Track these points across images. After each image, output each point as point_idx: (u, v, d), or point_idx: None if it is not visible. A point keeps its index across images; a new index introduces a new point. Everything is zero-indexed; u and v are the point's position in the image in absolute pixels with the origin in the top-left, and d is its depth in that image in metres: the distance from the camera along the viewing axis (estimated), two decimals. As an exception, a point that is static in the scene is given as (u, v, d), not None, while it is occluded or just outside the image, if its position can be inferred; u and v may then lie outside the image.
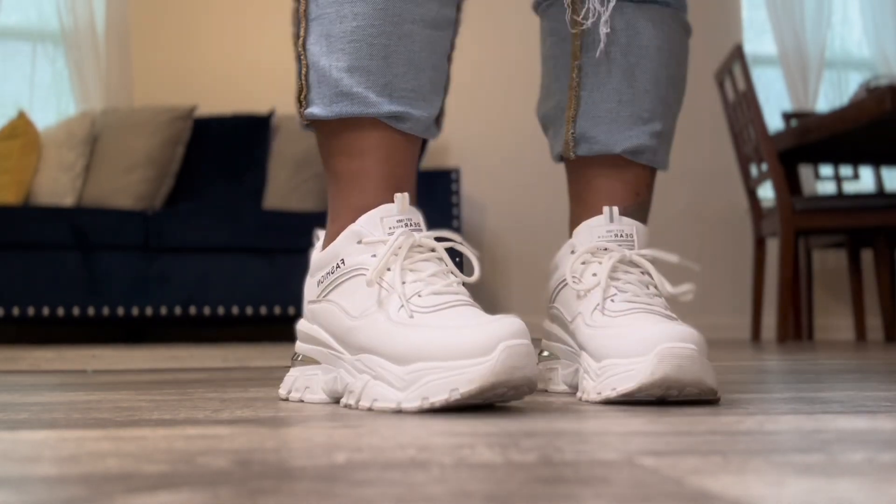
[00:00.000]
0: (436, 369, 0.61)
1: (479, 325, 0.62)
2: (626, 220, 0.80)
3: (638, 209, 0.84)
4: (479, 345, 0.60)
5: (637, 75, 0.83)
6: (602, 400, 0.71)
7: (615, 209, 0.80)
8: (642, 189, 0.84)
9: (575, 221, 0.85)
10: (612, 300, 0.75)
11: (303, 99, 0.74)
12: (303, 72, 0.74)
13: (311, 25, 0.73)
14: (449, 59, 0.79)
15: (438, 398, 0.61)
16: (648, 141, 0.83)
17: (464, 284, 0.70)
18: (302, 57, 0.74)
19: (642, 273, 0.78)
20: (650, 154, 0.83)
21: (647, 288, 0.77)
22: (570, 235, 0.84)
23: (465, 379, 0.60)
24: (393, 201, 0.71)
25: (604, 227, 0.79)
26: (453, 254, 0.72)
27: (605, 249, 0.78)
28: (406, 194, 0.72)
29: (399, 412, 0.63)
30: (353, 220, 0.72)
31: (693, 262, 0.80)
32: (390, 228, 0.70)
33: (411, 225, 0.70)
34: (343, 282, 0.71)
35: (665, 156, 0.86)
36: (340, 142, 0.75)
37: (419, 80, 0.74)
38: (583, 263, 0.79)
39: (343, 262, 0.71)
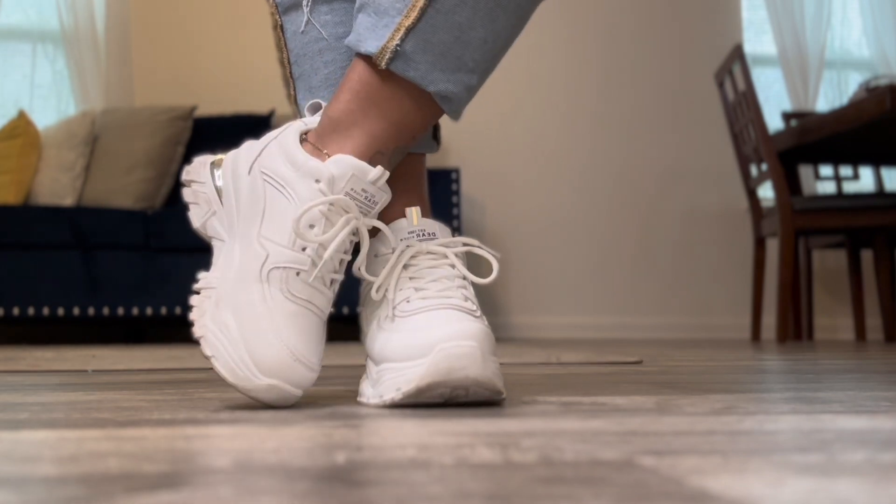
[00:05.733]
0: (391, 369, 0.67)
1: (426, 329, 0.66)
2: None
3: (401, 151, 0.75)
4: (420, 347, 0.65)
5: (495, 20, 0.71)
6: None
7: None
8: (420, 132, 0.74)
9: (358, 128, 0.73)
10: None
11: None
12: None
13: (297, 83, 0.82)
14: None
15: (389, 396, 0.66)
16: (463, 92, 0.72)
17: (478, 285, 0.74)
18: (297, 112, 0.82)
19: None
20: (456, 104, 0.73)
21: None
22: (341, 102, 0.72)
23: (405, 379, 0.65)
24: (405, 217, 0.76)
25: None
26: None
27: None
28: (417, 208, 0.76)
29: (391, 409, 0.65)
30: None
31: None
32: (401, 241, 0.74)
33: (424, 235, 0.74)
34: (367, 293, 0.76)
35: (461, 111, 0.75)
36: None
37: None
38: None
39: (366, 275, 0.77)
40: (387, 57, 0.69)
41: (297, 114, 0.83)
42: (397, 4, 0.69)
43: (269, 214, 0.69)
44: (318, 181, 0.68)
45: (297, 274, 0.67)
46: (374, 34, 0.70)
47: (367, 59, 0.71)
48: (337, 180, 0.68)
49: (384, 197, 0.71)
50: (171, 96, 3.59)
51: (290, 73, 0.82)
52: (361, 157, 0.70)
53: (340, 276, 0.70)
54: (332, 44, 0.79)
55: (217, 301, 0.68)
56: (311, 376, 0.67)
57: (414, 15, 0.68)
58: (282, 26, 0.82)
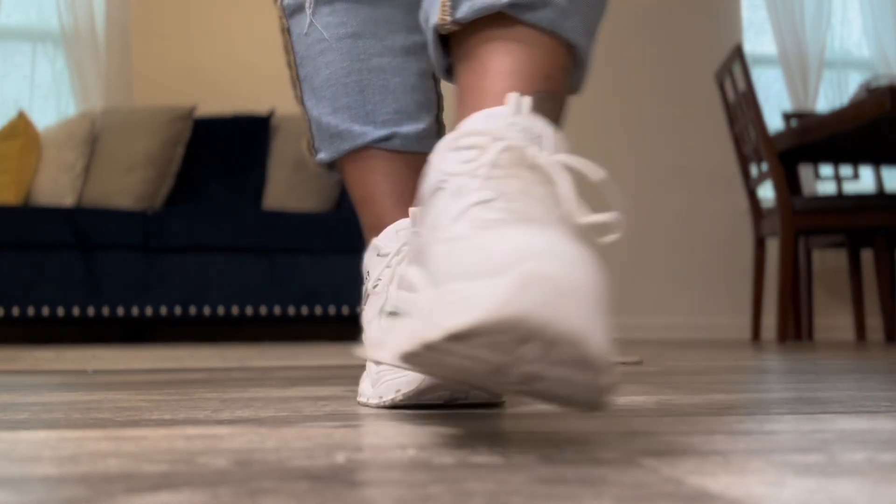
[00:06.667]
0: (391, 370, 0.67)
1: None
2: (539, 117, 0.55)
3: (550, 100, 0.61)
4: None
5: None
6: (420, 345, 0.44)
7: (526, 99, 0.55)
8: (554, 72, 0.62)
9: (465, 111, 0.60)
10: (488, 206, 0.49)
11: (311, 148, 0.84)
12: (307, 125, 0.83)
13: (303, 84, 0.83)
14: (434, 78, 0.83)
15: (389, 397, 0.67)
16: None
17: None
18: (304, 113, 0.83)
19: (544, 185, 0.51)
20: (551, 12, 0.61)
21: (547, 205, 0.50)
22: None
23: (406, 381, 0.65)
24: (408, 216, 0.76)
25: (507, 119, 0.54)
26: None
27: (502, 140, 0.53)
28: (420, 209, 0.75)
29: (391, 409, 0.65)
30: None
31: (618, 195, 0.54)
32: (405, 239, 0.74)
33: None
34: (370, 293, 0.76)
35: (578, 27, 0.63)
36: (349, 174, 0.82)
37: (400, 102, 0.80)
38: (464, 162, 0.53)
39: (369, 275, 0.77)
40: (448, 10, 0.61)
41: (304, 116, 0.84)
42: None
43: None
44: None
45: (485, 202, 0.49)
46: (432, 9, 0.64)
47: (448, 38, 0.64)
48: (475, 131, 0.54)
49: (547, 129, 0.54)
50: (171, 96, 3.59)
51: (297, 74, 0.83)
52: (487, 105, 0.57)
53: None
54: (333, 44, 0.80)
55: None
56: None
57: None
58: (288, 29, 0.83)
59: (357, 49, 0.80)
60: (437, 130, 0.84)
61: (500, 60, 0.60)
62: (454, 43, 0.64)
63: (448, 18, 0.61)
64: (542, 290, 0.38)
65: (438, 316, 0.42)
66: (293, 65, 0.83)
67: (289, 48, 0.83)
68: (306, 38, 0.81)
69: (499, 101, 0.57)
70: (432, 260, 0.48)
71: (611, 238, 0.51)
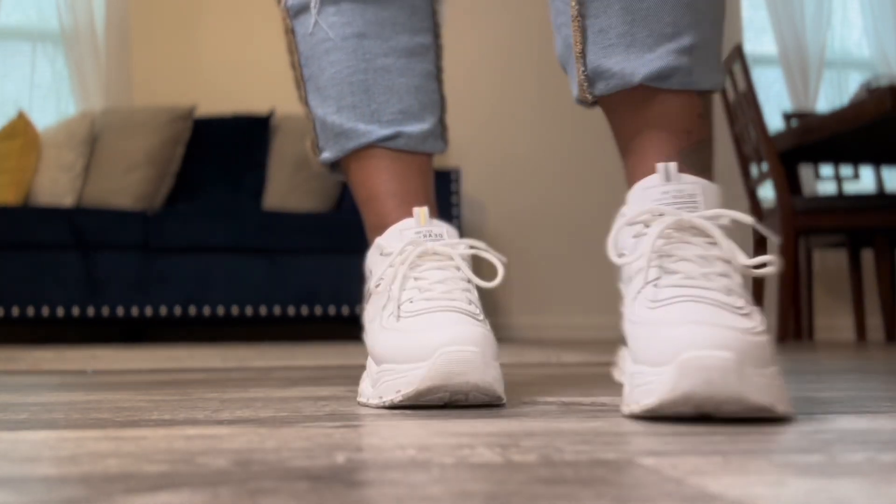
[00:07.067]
0: (391, 371, 0.67)
1: (428, 331, 0.66)
2: (687, 177, 0.64)
3: (696, 151, 0.69)
4: (421, 350, 0.65)
5: None
6: (629, 414, 0.60)
7: (672, 166, 0.64)
8: (694, 124, 0.69)
9: (628, 177, 0.71)
10: (656, 285, 0.61)
11: (315, 148, 0.85)
12: (311, 125, 0.84)
13: (307, 84, 0.83)
14: (437, 79, 0.84)
15: (389, 398, 0.67)
16: (675, 60, 0.67)
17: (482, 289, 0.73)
18: (308, 112, 0.84)
19: (709, 243, 0.62)
20: (682, 76, 0.67)
21: (712, 264, 0.61)
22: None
23: (405, 381, 0.65)
24: (412, 216, 0.77)
25: (659, 189, 0.64)
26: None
27: (660, 215, 0.63)
28: (425, 208, 0.76)
29: (391, 409, 0.65)
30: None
31: (771, 232, 0.60)
32: (408, 239, 0.74)
33: (431, 236, 0.74)
34: (372, 292, 0.77)
35: (708, 73, 0.69)
36: (353, 174, 0.83)
37: (405, 102, 0.81)
38: (634, 237, 0.66)
39: (371, 274, 0.77)
40: (586, 88, 0.70)
41: (308, 115, 0.85)
42: (569, 40, 0.71)
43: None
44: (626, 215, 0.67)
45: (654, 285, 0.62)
46: (572, 81, 0.72)
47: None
48: (639, 210, 0.65)
49: (697, 185, 0.64)
50: (171, 96, 3.59)
51: (301, 74, 0.83)
52: (643, 175, 0.68)
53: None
54: (339, 44, 0.80)
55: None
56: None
57: (579, 38, 0.70)
58: (293, 30, 0.83)
59: (362, 49, 0.80)
60: (441, 131, 0.84)
61: (643, 130, 0.69)
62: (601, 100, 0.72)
63: (588, 96, 0.71)
64: (695, 374, 0.53)
65: (636, 395, 0.58)
66: (297, 65, 0.83)
67: (293, 48, 0.83)
68: (311, 37, 0.82)
69: (650, 170, 0.67)
70: (630, 339, 0.62)
71: (770, 271, 0.60)
